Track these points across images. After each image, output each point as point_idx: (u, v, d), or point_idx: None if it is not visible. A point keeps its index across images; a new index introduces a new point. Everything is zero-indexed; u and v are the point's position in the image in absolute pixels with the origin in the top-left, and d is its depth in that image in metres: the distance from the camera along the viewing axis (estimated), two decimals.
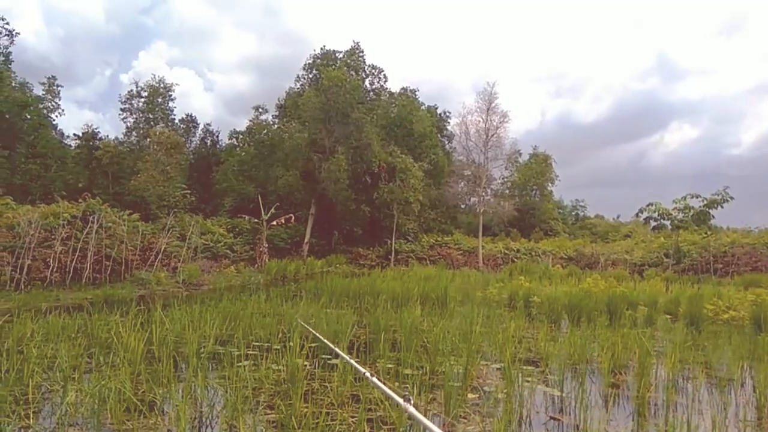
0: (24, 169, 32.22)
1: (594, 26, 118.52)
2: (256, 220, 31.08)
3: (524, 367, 6.84)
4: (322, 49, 39.19)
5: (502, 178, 48.57)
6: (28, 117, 34.39)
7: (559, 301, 12.52)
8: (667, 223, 28.83)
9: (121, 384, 4.99)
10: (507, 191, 50.07)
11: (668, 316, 12.49)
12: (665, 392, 5.62)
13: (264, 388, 5.73)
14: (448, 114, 46.63)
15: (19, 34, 34.63)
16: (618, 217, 60.89)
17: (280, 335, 8.22)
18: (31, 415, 4.79)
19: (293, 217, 32.77)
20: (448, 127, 45.87)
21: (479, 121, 36.63)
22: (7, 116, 30.83)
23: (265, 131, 39.09)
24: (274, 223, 31.41)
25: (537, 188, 51.15)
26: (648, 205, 28.96)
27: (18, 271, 15.11)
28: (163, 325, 7.69)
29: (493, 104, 36.17)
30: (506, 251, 36.12)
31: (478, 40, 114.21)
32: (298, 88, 39.57)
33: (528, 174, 50.09)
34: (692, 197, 27.80)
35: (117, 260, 18.83)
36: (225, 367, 6.40)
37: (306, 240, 34.35)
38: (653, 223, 29.61)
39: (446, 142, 45.57)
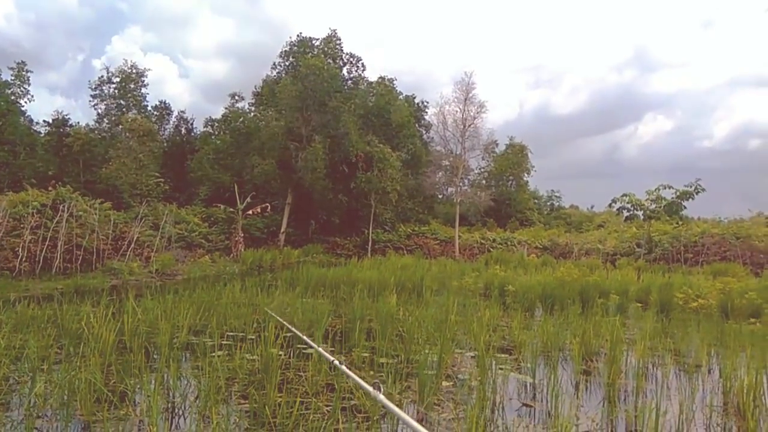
0: None
1: (574, 18, 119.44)
2: (231, 210, 30.76)
3: (498, 355, 6.92)
4: (298, 36, 38.75)
5: (479, 168, 48.89)
6: None
7: (533, 289, 12.69)
8: (640, 213, 29.35)
9: (92, 375, 4.90)
10: (484, 181, 50.38)
11: (639, 305, 12.77)
12: (635, 379, 5.75)
13: (238, 378, 5.69)
14: (426, 104, 46.65)
15: None
16: (592, 207, 61.84)
17: (255, 325, 8.17)
18: None
19: (269, 207, 32.51)
20: (426, 117, 45.90)
21: (456, 111, 36.75)
22: None
23: (241, 119, 38.59)
24: (250, 212, 31.13)
25: (513, 178, 51.56)
26: (621, 196, 29.45)
27: None
28: (136, 315, 7.56)
29: (470, 94, 36.30)
30: (482, 241, 36.41)
31: (457, 31, 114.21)
32: (274, 76, 39.10)
33: (504, 164, 50.43)
34: (665, 188, 28.35)
35: (88, 250, 18.47)
36: (198, 357, 6.34)
37: (282, 229, 34.13)
38: (626, 214, 30.13)
39: (424, 132, 45.59)
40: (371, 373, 5.56)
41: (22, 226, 16.64)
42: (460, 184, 38.65)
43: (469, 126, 36.55)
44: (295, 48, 38.22)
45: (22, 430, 4.10)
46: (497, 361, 6.43)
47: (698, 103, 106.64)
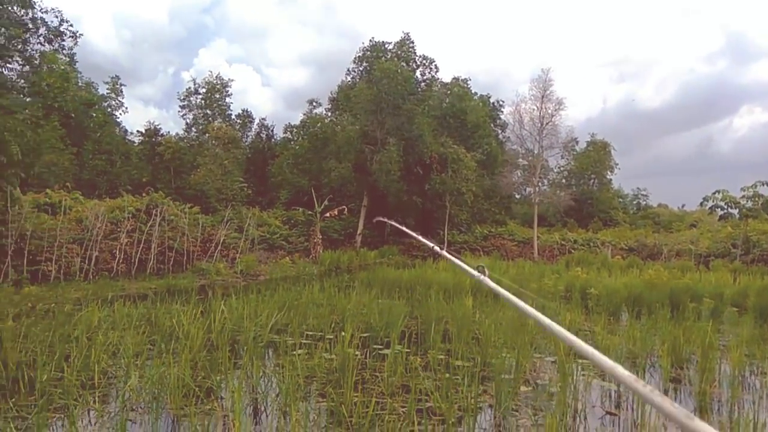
0: (91, 165, 33.95)
1: (660, 7, 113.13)
2: (310, 212, 31.60)
3: (580, 361, 6.69)
4: (371, 41, 39.20)
5: (558, 167, 47.23)
6: (94, 115, 36.14)
7: (618, 293, 12.14)
8: (735, 212, 27.31)
9: (181, 370, 5.22)
10: (563, 180, 48.71)
11: (735, 309, 11.88)
12: (730, 388, 5.37)
13: (317, 377, 5.86)
14: (501, 103, 45.78)
15: (82, 35, 36.36)
16: (683, 206, 58.18)
17: (333, 325, 8.37)
18: (97, 399, 5.08)
19: (346, 209, 33.10)
20: (502, 116, 45.04)
21: (533, 109, 35.75)
22: (73, 115, 32.49)
23: (318, 125, 39.60)
24: (328, 215, 31.84)
25: (595, 177, 49.50)
26: (714, 193, 27.54)
27: (86, 262, 15.98)
28: (222, 314, 7.97)
29: (547, 91, 35.22)
30: (563, 242, 35.24)
31: (535, 28, 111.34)
32: (349, 81, 39.81)
33: (586, 162, 48.52)
34: (763, 185, 26.22)
35: (179, 251, 19.62)
36: (280, 355, 6.58)
37: (359, 231, 34.66)
38: (720, 212, 28.12)
39: (500, 132, 44.78)
40: (446, 375, 5.54)
41: (119, 229, 17.94)
42: (539, 183, 37.56)
43: (547, 124, 35.48)
44: (369, 53, 38.72)
45: (117, 421, 4.42)
46: (579, 367, 6.22)
47: None
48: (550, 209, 39.07)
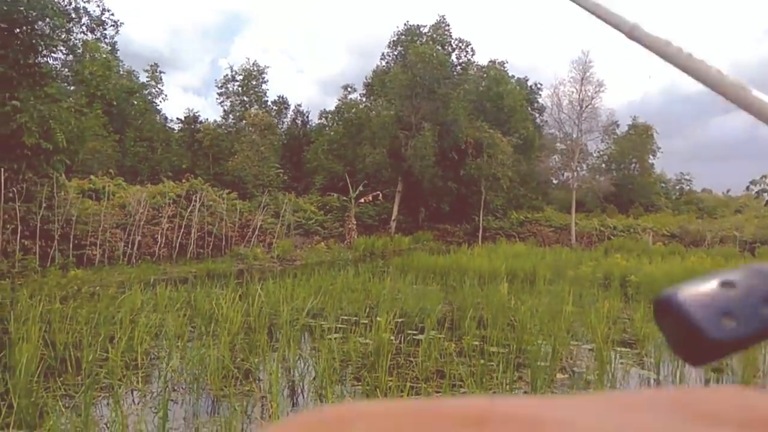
0: (133, 151, 34.88)
1: None
2: (344, 198, 31.77)
3: (618, 349, 6.57)
4: (405, 24, 38.82)
5: (598, 152, 46.08)
6: (135, 103, 37.05)
7: (659, 280, 11.85)
8: None
9: (221, 352, 5.36)
10: (603, 165, 47.56)
11: None
12: None
13: (352, 361, 5.92)
14: (539, 86, 44.81)
15: (123, 24, 37.23)
16: (728, 191, 56.07)
17: (367, 310, 8.43)
18: (140, 379, 5.26)
19: (381, 195, 33.14)
20: (539, 100, 44.15)
21: (572, 92, 34.94)
22: (115, 103, 33.43)
23: (353, 110, 39.63)
24: (362, 200, 31.94)
25: (636, 161, 48.16)
26: (762, 178, 26.50)
27: (130, 246, 16.48)
28: (259, 298, 8.12)
29: (587, 73, 34.32)
30: (602, 228, 34.51)
31: (575, 10, 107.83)
32: (384, 66, 39.61)
33: (626, 146, 47.22)
34: None
35: (218, 236, 20.04)
36: (316, 339, 6.68)
37: (393, 217, 34.70)
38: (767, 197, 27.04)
39: (537, 116, 43.93)
40: (481, 362, 5.52)
41: (160, 215, 18.41)
42: (577, 168, 36.78)
43: (587, 107, 34.63)
44: (403, 37, 38.38)
45: (159, 401, 4.58)
46: (618, 355, 6.11)
47: None
48: (588, 194, 38.26)
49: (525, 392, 5.15)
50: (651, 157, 48.75)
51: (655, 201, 46.36)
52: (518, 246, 25.03)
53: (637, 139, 47.22)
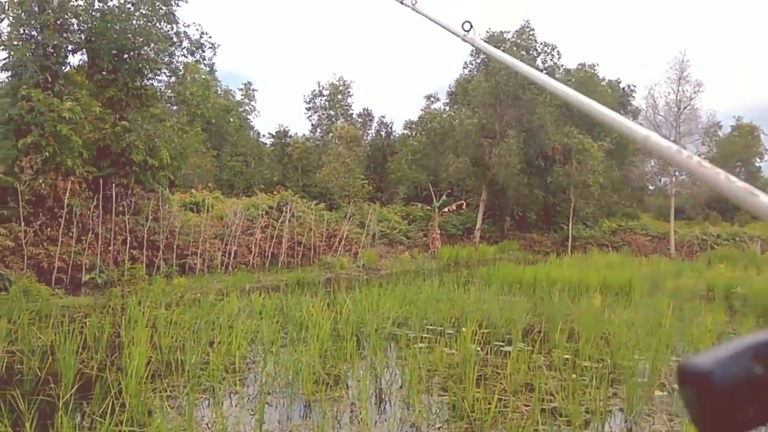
0: (229, 166, 36.95)
1: None
2: (428, 208, 31.80)
3: None
4: (488, 31, 38.39)
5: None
6: (231, 120, 39.26)
7: None
8: None
9: (312, 358, 5.56)
10: None
11: None
12: None
13: (438, 371, 5.93)
14: (632, 88, 42.65)
15: (220, 45, 39.65)
16: None
17: (452, 320, 8.40)
18: (238, 382, 5.56)
19: (464, 204, 32.84)
20: (633, 102, 42.01)
21: (669, 93, 32.93)
22: (213, 121, 35.62)
23: (436, 120, 39.69)
24: (446, 210, 31.81)
25: (742, 164, 44.56)
26: None
27: (227, 255, 17.43)
28: (347, 306, 8.33)
29: (685, 73, 32.24)
30: (704, 236, 32.15)
31: (672, 7, 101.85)
32: (466, 74, 39.38)
33: (730, 149, 43.84)
34: None
35: (307, 246, 20.73)
36: (402, 348, 6.75)
37: (477, 226, 34.23)
38: None
39: (631, 119, 41.71)
40: (573, 376, 5.34)
41: (254, 226, 19.34)
42: (676, 173, 34.56)
43: (685, 108, 32.50)
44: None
45: (256, 404, 4.81)
46: None
47: None
48: (689, 201, 35.78)
49: (620, 409, 4.92)
50: (758, 159, 44.97)
51: None
52: (611, 256, 23.87)
53: (742, 141, 43.74)
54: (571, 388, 4.97)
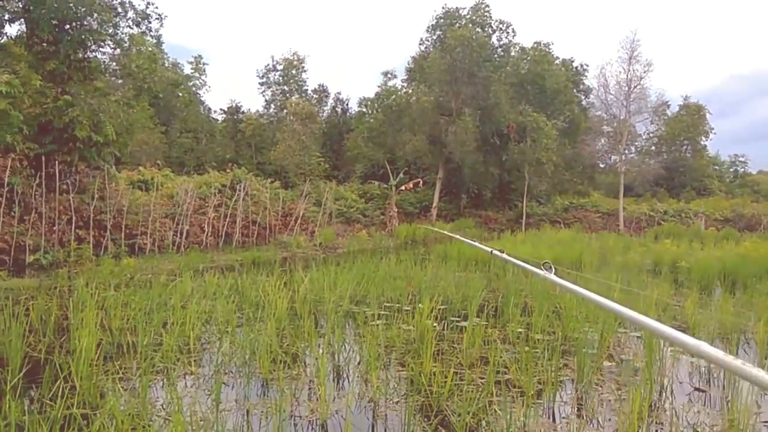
0: (178, 143, 35.86)
1: None
2: (385, 186, 31.84)
3: None
4: (443, 8, 38.23)
5: (647, 134, 44.46)
6: (180, 95, 37.98)
7: (711, 266, 11.47)
8: None
9: (269, 337, 5.50)
10: (653, 147, 46.00)
11: None
12: None
13: (395, 347, 5.98)
14: (585, 67, 43.46)
15: (168, 17, 38.11)
16: None
17: (410, 297, 8.47)
18: (193, 363, 5.46)
19: (421, 182, 33.04)
20: (586, 82, 42.86)
21: (620, 72, 33.77)
22: (161, 95, 34.38)
23: (392, 97, 39.53)
24: (403, 188, 31.94)
25: (688, 143, 46.39)
26: None
27: (178, 235, 17.01)
28: (304, 285, 8.27)
29: (635, 53, 33.10)
30: (651, 213, 33.50)
31: None
32: (422, 51, 39.23)
33: (678, 128, 45.50)
34: None
35: (262, 225, 20.44)
36: (359, 325, 6.77)
37: (434, 204, 34.56)
38: None
39: (583, 98, 42.67)
40: (526, 349, 5.48)
41: (206, 204, 18.90)
42: (625, 151, 35.64)
43: (635, 87, 33.44)
44: (442, 20, 37.85)
45: (212, 383, 4.74)
46: (667, 342, 5.95)
47: None
48: (637, 178, 37.09)
49: (571, 379, 5.09)
50: (704, 138, 46.92)
51: (707, 184, 44.67)
52: (563, 232, 24.57)
53: (689, 120, 45.47)
54: (524, 361, 5.10)
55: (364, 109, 43.52)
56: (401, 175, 31.57)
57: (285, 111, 38.55)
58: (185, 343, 5.92)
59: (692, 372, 5.40)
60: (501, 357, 5.37)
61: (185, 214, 17.33)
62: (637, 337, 6.52)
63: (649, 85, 33.74)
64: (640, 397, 4.05)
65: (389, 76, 41.63)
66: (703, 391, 4.86)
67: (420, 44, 39.75)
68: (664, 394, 4.78)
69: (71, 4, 14.03)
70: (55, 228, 13.46)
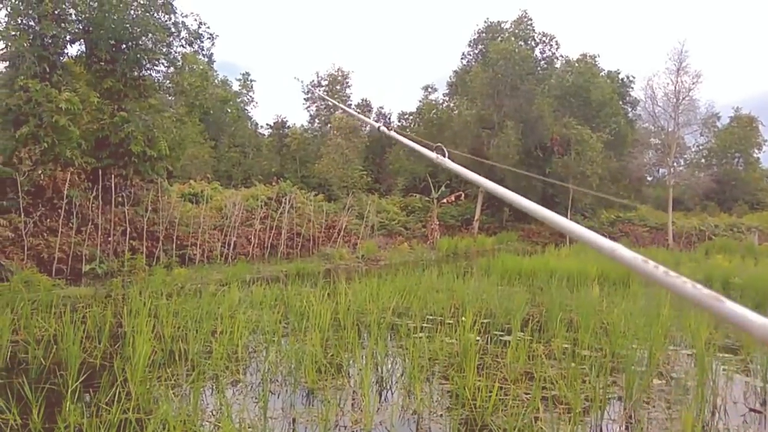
0: (227, 157, 36.90)
1: None
2: (427, 199, 31.83)
3: (720, 354, 6.19)
4: (485, 21, 38.22)
5: (697, 146, 43.05)
6: (229, 111, 39.14)
7: (766, 283, 10.97)
8: None
9: (314, 347, 5.61)
10: (703, 160, 44.46)
11: None
12: None
13: (438, 359, 5.99)
14: (632, 79, 42.47)
15: (218, 36, 39.47)
16: None
17: (452, 310, 8.46)
18: (240, 371, 5.62)
19: (463, 195, 32.88)
20: (632, 93, 41.87)
21: (668, 83, 32.86)
22: (211, 111, 35.51)
23: (434, 111, 39.62)
24: (444, 201, 31.85)
25: (740, 155, 44.60)
26: None
27: (226, 246, 17.46)
28: (347, 296, 8.38)
29: (684, 63, 32.16)
30: (701, 227, 32.29)
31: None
32: (465, 65, 39.26)
33: (729, 140, 43.83)
34: None
35: (306, 237, 20.77)
36: (402, 337, 6.81)
37: (476, 217, 34.31)
38: None
39: (629, 110, 41.69)
40: (572, 365, 5.40)
41: (253, 217, 19.36)
42: (674, 163, 34.58)
43: (684, 98, 32.46)
44: (484, 34, 37.84)
45: (259, 391, 4.87)
46: (719, 361, 5.76)
47: None
48: (687, 192, 35.88)
49: (619, 397, 4.99)
50: (756, 150, 45.05)
51: (761, 198, 42.78)
52: None
53: (741, 132, 43.76)
54: (570, 377, 5.03)
55: (405, 123, 43.76)
56: (443, 188, 31.51)
57: (329, 125, 39.15)
58: (233, 351, 6.10)
59: (747, 392, 5.21)
60: (546, 373, 5.31)
61: (233, 226, 17.79)
62: (688, 354, 6.33)
63: (698, 97, 32.67)
64: (692, 417, 3.95)
65: (430, 90, 41.81)
66: (759, 412, 4.68)
67: (462, 58, 39.85)
68: (717, 414, 4.63)
69: (128, 25, 14.76)
70: (110, 239, 14.05)
